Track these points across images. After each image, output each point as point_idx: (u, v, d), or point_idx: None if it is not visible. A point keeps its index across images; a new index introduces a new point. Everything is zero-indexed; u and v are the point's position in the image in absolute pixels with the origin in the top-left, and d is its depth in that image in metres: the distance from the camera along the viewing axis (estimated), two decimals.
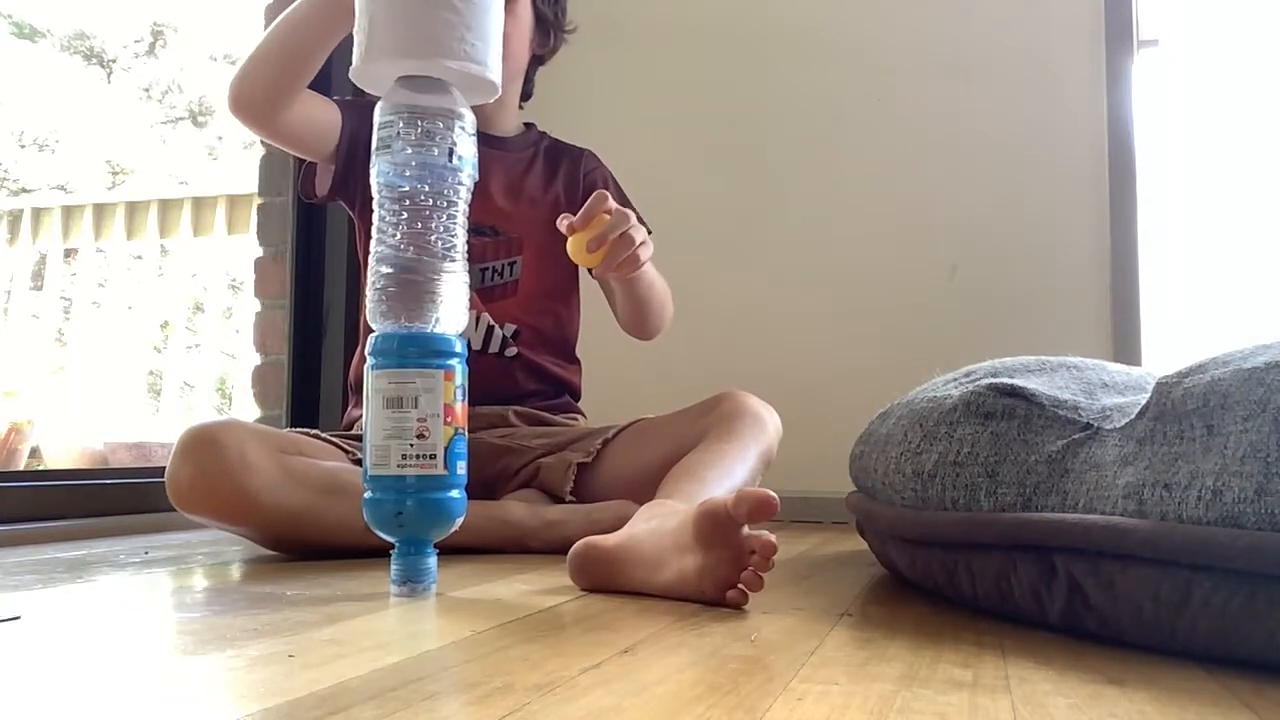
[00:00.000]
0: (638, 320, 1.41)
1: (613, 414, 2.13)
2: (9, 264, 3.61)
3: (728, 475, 1.15)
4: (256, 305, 1.99)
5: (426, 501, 0.89)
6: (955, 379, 0.97)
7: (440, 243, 0.91)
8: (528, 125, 1.53)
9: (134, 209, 3.52)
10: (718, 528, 0.83)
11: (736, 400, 1.27)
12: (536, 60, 1.49)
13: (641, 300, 1.36)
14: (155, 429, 3.26)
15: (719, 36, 2.03)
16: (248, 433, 1.14)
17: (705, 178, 2.01)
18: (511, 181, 1.45)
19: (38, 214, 3.64)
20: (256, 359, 1.98)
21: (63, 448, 2.72)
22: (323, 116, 1.34)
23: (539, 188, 1.47)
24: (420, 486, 0.89)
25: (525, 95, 1.51)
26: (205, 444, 1.11)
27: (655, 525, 0.93)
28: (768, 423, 1.27)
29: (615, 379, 2.02)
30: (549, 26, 1.46)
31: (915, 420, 0.92)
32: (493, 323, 1.40)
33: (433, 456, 0.89)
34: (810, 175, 1.95)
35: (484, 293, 1.39)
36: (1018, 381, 0.87)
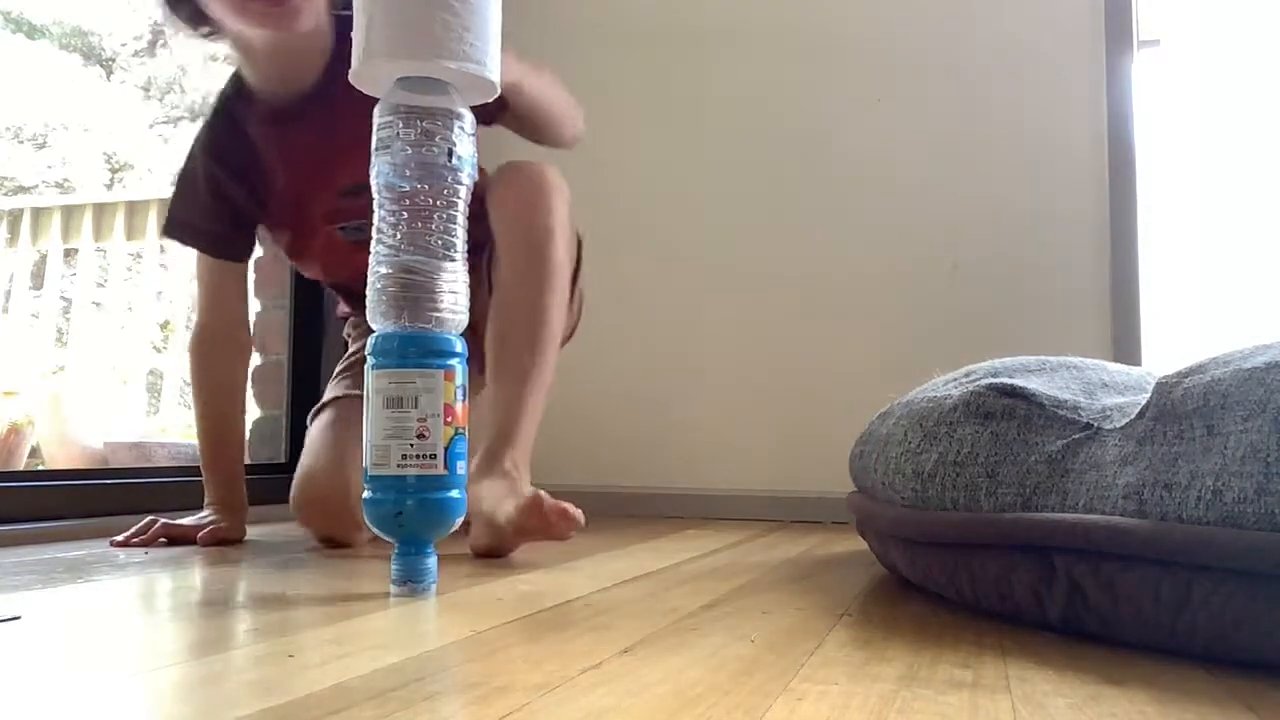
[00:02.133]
0: (541, 130, 1.33)
1: (608, 409, 2.13)
2: (9, 264, 3.61)
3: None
4: (256, 305, 1.99)
5: (426, 501, 0.90)
6: (955, 379, 0.97)
7: (439, 242, 0.91)
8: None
9: (134, 209, 3.53)
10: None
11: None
12: None
13: (539, 111, 1.29)
14: (155, 429, 3.27)
15: (717, 36, 2.03)
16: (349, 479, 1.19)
17: (704, 177, 2.01)
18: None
19: (38, 214, 3.64)
20: (256, 359, 1.97)
21: (63, 448, 2.72)
22: (237, 288, 1.40)
23: None
24: (420, 486, 0.89)
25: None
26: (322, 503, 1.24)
27: None
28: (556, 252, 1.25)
29: (612, 374, 2.02)
30: None
31: (915, 420, 0.92)
32: None
33: (433, 456, 0.89)
34: (809, 175, 1.95)
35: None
36: (1018, 381, 0.87)
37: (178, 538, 1.27)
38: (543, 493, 1.10)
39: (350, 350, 1.53)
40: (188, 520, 1.30)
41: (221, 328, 1.38)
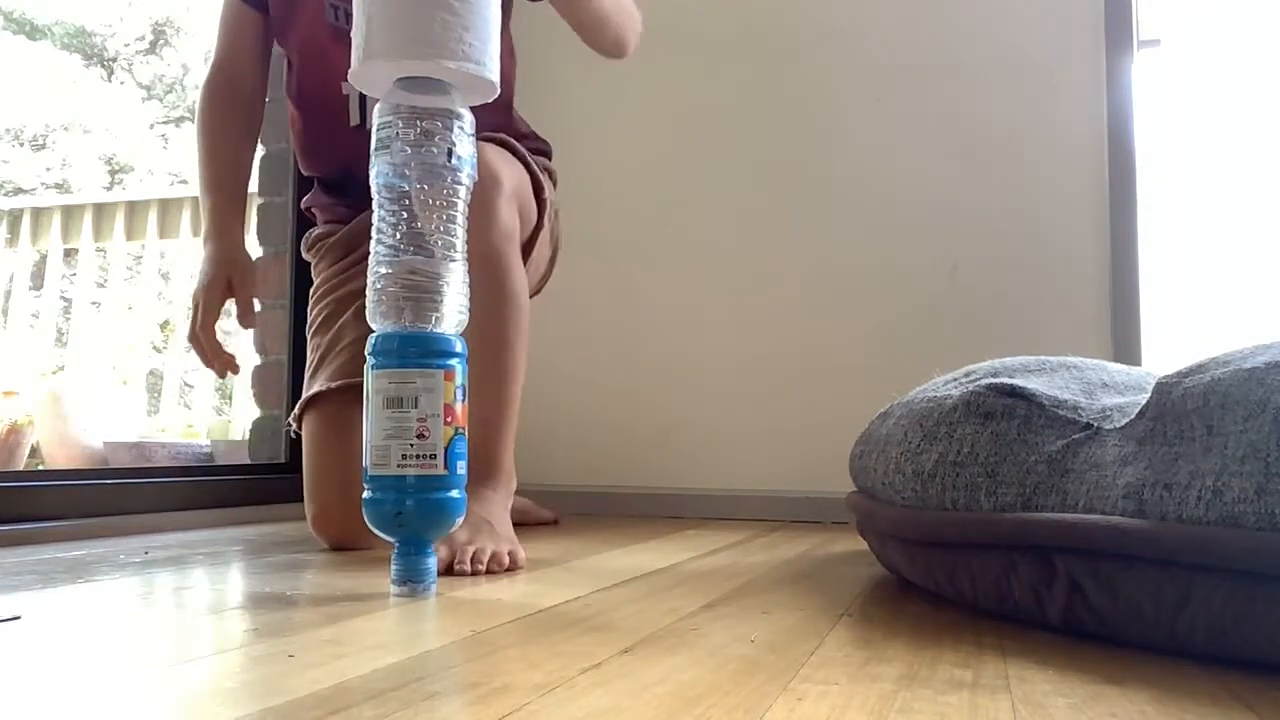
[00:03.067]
0: (594, 32, 1.33)
1: (608, 408, 2.13)
2: (9, 264, 3.62)
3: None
4: (256, 305, 1.99)
5: (426, 501, 0.90)
6: (955, 379, 0.97)
7: (439, 242, 0.91)
8: None
9: (134, 209, 3.53)
10: None
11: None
12: None
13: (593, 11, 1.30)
14: (155, 429, 3.27)
15: (717, 36, 2.03)
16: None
17: (704, 177, 2.01)
18: None
19: (37, 214, 3.64)
20: (256, 359, 1.98)
21: (63, 448, 2.72)
22: (254, 35, 1.41)
23: None
24: (420, 486, 0.89)
25: None
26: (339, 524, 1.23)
27: None
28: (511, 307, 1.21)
29: (612, 374, 2.02)
30: None
31: (915, 420, 0.92)
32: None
33: (433, 456, 0.89)
34: (810, 175, 1.95)
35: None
36: (1018, 381, 0.87)
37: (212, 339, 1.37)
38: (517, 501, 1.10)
39: (319, 292, 1.46)
40: (199, 303, 1.37)
41: (233, 72, 1.41)
